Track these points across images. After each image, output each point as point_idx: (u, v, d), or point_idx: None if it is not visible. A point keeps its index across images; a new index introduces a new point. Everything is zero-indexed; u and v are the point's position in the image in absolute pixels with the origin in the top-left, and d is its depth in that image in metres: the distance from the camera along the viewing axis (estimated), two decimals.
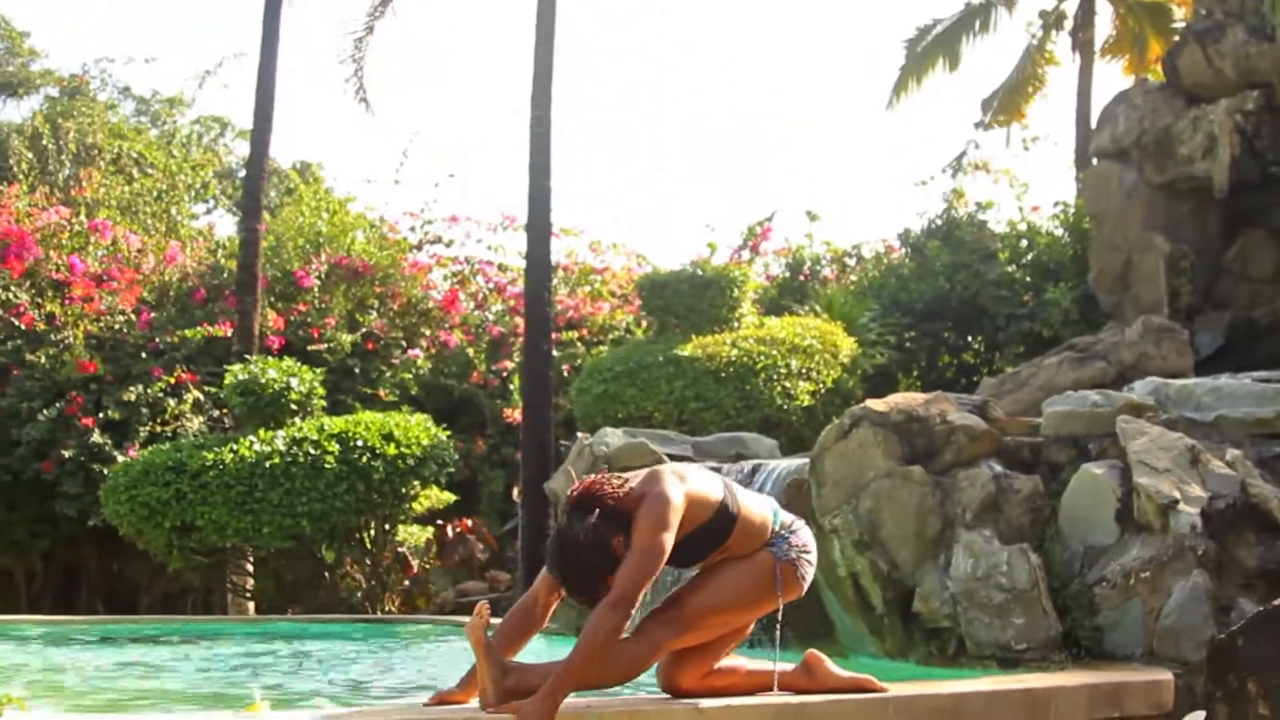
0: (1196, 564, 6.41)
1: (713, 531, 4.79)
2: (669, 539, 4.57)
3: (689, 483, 4.74)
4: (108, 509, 13.00)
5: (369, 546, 13.67)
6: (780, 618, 4.89)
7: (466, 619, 4.68)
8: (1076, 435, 7.41)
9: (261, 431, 12.92)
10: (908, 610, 7.04)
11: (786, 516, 5.03)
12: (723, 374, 12.94)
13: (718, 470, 8.45)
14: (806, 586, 5.01)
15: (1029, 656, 6.52)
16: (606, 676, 4.69)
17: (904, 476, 7.15)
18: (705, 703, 4.66)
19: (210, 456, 12.54)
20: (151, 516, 12.57)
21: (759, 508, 4.96)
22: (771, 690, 4.94)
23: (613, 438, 9.72)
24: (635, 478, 4.76)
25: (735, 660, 5.06)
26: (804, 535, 5.02)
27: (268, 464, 12.54)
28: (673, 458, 9.28)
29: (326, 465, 12.64)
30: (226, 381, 13.31)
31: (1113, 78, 18.70)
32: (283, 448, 12.67)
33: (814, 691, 4.89)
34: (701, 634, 4.86)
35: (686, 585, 4.93)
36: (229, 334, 15.87)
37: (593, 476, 4.75)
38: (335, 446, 12.73)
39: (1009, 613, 6.63)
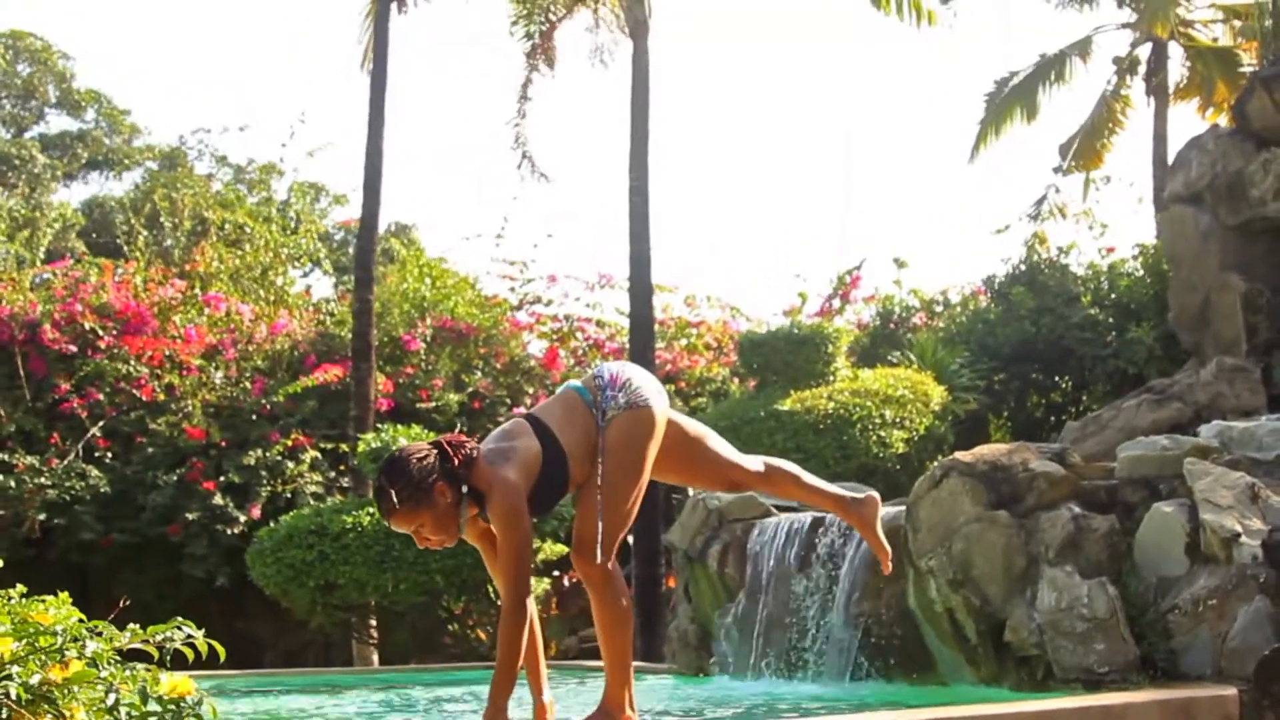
0: (1258, 591, 7.03)
1: (553, 474, 4.92)
2: (527, 522, 4.79)
3: (514, 458, 4.82)
4: (254, 571, 13.92)
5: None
6: None
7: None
8: (1148, 477, 7.99)
9: None
10: (999, 640, 7.71)
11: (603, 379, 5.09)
12: (821, 426, 13.69)
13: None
14: (658, 412, 5.07)
15: (1110, 678, 7.17)
16: (622, 629, 5.05)
17: (991, 520, 7.84)
18: None
19: (350, 520, 13.46)
20: (296, 577, 13.49)
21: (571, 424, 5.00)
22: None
23: (723, 492, 10.39)
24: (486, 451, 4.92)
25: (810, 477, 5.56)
26: (612, 370, 5.15)
27: None
28: (779, 509, 10.00)
29: None
30: (359, 449, 14.18)
31: (1188, 119, 19.08)
32: None
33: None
34: (624, 523, 5.01)
35: (578, 517, 5.01)
36: (330, 376, 16.65)
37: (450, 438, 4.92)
38: None
39: (1091, 640, 7.28)
